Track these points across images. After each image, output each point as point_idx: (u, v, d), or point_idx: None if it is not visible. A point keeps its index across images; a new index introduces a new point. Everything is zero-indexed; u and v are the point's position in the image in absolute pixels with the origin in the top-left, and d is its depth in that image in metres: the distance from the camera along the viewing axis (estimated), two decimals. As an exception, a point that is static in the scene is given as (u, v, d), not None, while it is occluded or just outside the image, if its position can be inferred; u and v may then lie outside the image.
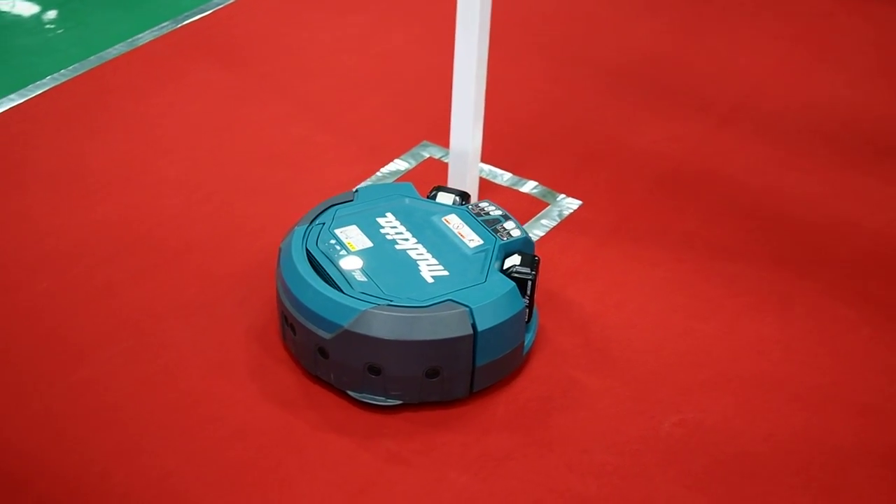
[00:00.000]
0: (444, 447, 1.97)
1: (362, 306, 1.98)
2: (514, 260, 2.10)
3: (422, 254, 2.12)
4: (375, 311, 1.97)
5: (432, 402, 2.03)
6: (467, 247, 2.14)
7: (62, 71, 2.98)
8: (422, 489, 1.89)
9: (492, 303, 2.00)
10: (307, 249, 2.12)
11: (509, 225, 2.19)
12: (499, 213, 2.22)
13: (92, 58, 3.03)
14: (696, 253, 2.40)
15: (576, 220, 2.50)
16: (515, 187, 2.60)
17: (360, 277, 2.05)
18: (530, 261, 2.10)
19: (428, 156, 2.70)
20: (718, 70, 3.05)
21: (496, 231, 2.17)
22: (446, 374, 2.00)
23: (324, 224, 2.19)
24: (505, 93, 2.89)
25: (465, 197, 2.29)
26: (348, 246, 2.13)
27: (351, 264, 2.08)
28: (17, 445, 1.94)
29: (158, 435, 1.97)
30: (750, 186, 2.61)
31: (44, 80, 2.94)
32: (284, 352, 2.13)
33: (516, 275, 2.07)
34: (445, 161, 2.66)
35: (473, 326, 1.97)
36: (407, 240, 2.16)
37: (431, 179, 2.60)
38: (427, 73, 3.01)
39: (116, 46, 3.08)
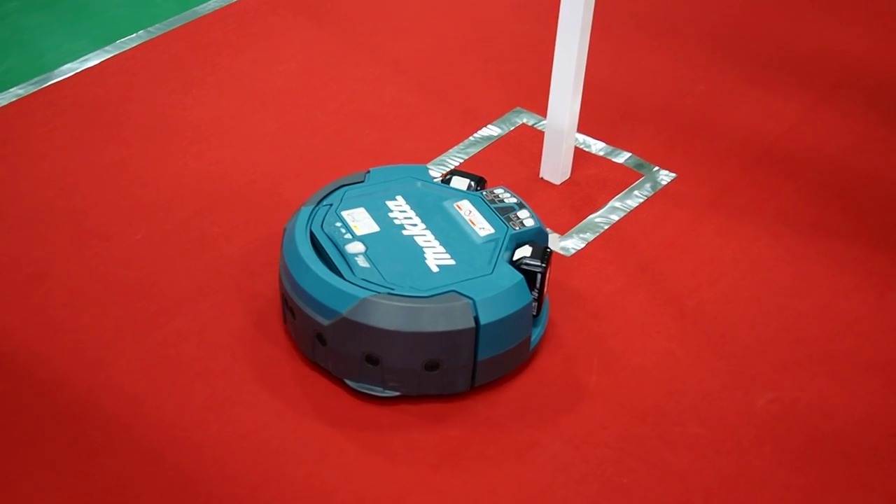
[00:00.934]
0: (531, 413, 1.97)
1: (362, 294, 1.91)
2: (525, 251, 2.03)
3: (429, 241, 2.05)
4: (375, 299, 1.90)
5: (431, 395, 1.98)
6: (477, 235, 2.06)
7: (156, 25, 2.99)
8: (513, 452, 1.89)
9: (497, 295, 1.93)
10: (311, 231, 2.05)
11: (523, 214, 2.11)
12: (513, 200, 2.15)
13: (186, 12, 3.04)
14: (792, 230, 2.37)
15: (670, 193, 2.47)
16: (609, 157, 2.57)
17: (362, 263, 1.98)
18: (541, 253, 2.02)
19: (521, 122, 2.68)
20: (818, 46, 3.00)
21: (509, 220, 2.09)
22: (446, 367, 1.93)
23: (331, 205, 2.12)
24: (601, 63, 2.86)
25: (480, 182, 2.22)
26: (354, 229, 2.06)
27: (355, 249, 2.01)
28: (116, 391, 1.96)
29: (250, 389, 1.98)
30: (849, 165, 2.57)
31: (138, 34, 2.95)
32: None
33: (525, 267, 2.00)
34: (538, 128, 2.64)
35: (476, 319, 1.90)
36: (415, 225, 2.08)
37: (524, 146, 2.59)
38: (521, 40, 2.98)
39: (210, 2, 3.08)
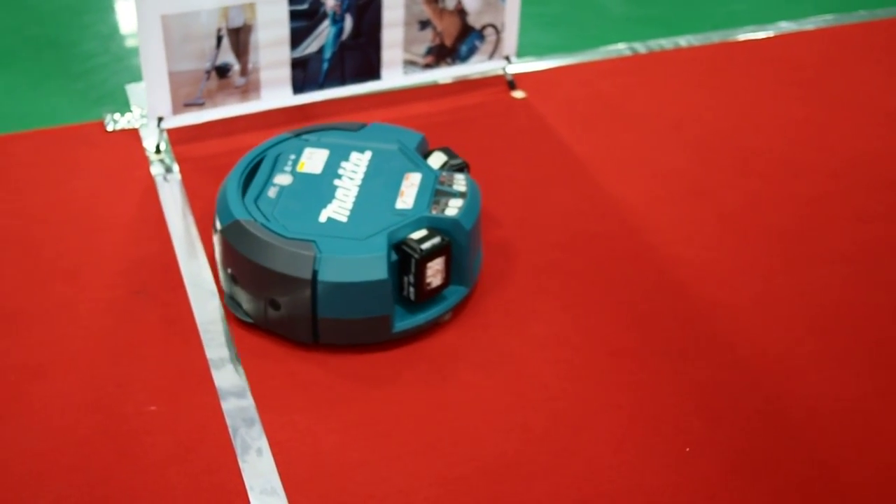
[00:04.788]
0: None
1: (239, 215, 2.00)
2: (418, 234, 1.98)
3: (347, 195, 2.07)
4: (243, 223, 1.98)
5: (279, 335, 2.02)
6: (393, 206, 2.04)
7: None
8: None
9: (346, 260, 1.92)
10: (266, 152, 2.17)
11: (454, 202, 2.05)
12: (461, 189, 2.08)
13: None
14: None
15: None
16: None
17: (271, 194, 2.07)
18: (435, 243, 1.96)
19: None
20: None
21: (437, 203, 2.04)
22: (286, 312, 1.96)
23: (307, 140, 2.22)
24: None
25: (457, 166, 2.18)
26: (298, 165, 2.15)
27: (280, 181, 2.11)
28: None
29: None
30: None
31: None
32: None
33: (405, 248, 1.96)
34: None
35: (315, 273, 1.91)
36: (352, 179, 2.12)
37: None
38: None
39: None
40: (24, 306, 2.08)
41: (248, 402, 1.91)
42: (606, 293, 2.18)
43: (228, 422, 1.87)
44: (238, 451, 1.82)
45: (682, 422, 1.92)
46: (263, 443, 1.84)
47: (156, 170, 2.47)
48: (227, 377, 1.96)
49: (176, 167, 2.48)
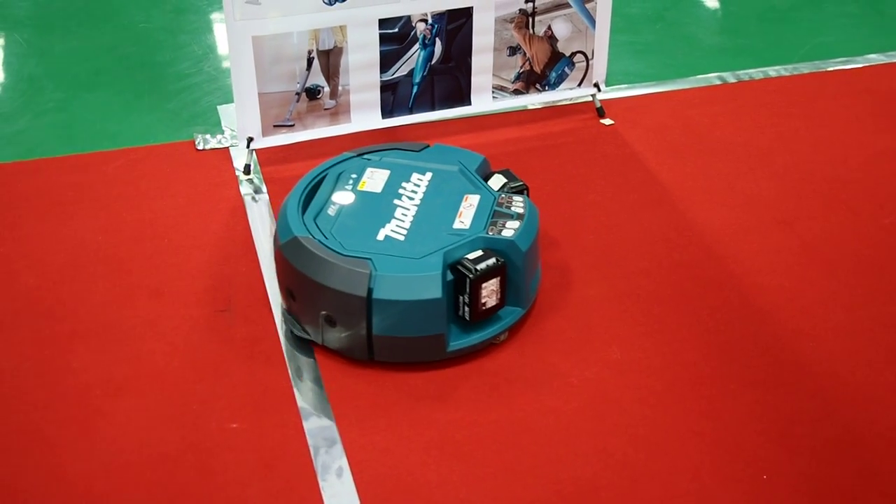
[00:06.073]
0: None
1: (298, 231, 2.03)
2: (473, 255, 1.99)
3: (405, 214, 2.09)
4: (302, 240, 2.01)
5: (337, 352, 2.05)
6: (450, 227, 2.06)
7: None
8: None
9: (400, 278, 1.94)
10: (328, 170, 2.20)
11: (511, 224, 2.05)
12: (519, 211, 2.09)
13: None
14: None
15: None
16: None
17: (331, 211, 2.10)
18: (490, 264, 1.97)
19: None
20: None
21: (494, 224, 2.05)
22: (342, 328, 1.98)
23: (370, 159, 2.24)
24: None
25: (517, 188, 2.18)
26: (360, 184, 2.18)
27: (340, 199, 2.13)
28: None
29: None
30: None
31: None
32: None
33: (460, 268, 1.97)
34: None
35: (370, 291, 1.93)
36: (412, 199, 2.14)
37: None
38: None
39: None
40: (111, 322, 2.14)
41: (330, 422, 1.93)
42: (688, 320, 2.17)
43: (309, 441, 1.89)
44: (318, 470, 1.84)
45: (761, 449, 1.91)
46: (343, 463, 1.85)
47: (245, 190, 2.51)
48: (310, 397, 1.98)
49: (265, 187, 2.52)
